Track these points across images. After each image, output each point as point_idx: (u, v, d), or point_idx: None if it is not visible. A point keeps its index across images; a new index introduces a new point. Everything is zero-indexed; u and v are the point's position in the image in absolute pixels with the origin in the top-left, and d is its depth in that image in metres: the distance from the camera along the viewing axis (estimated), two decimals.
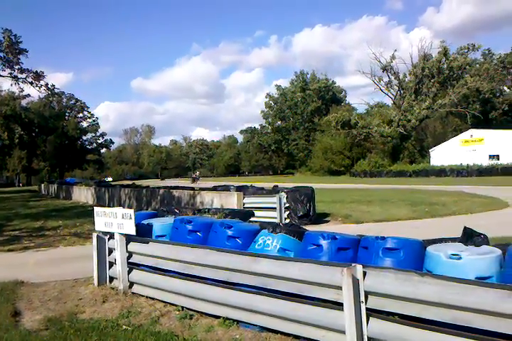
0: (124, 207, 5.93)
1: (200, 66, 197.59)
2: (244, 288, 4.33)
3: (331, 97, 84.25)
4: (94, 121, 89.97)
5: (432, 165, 51.11)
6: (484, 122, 60.08)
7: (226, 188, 14.43)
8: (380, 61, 61.72)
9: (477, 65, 65.19)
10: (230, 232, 4.86)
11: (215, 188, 15.10)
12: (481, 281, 3.08)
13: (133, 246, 5.54)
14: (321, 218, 12.80)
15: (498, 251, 3.39)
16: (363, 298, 3.41)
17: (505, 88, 68.47)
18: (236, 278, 4.34)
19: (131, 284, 5.56)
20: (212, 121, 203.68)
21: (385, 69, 62.18)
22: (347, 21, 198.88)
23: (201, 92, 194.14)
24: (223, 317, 4.45)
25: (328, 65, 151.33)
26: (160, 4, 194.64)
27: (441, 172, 46.14)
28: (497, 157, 46.29)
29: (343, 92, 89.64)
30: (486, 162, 45.59)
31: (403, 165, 55.24)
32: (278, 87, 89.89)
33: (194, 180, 49.71)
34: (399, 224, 11.50)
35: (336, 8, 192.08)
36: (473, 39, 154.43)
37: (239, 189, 13.76)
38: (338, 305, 3.50)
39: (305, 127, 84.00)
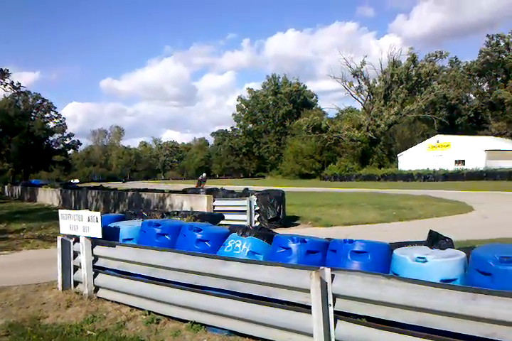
0: (90, 210, 5.80)
1: (172, 68, 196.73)
2: (212, 291, 4.28)
3: (302, 101, 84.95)
4: (61, 121, 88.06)
5: (399, 170, 52.05)
6: (450, 128, 61.75)
7: (196, 191, 14.35)
8: (350, 66, 62.68)
9: (444, 72, 66.95)
10: (199, 235, 4.81)
11: (184, 191, 14.98)
12: (445, 284, 3.13)
13: (99, 250, 5.42)
14: (291, 221, 12.85)
15: (463, 254, 3.46)
16: (331, 301, 3.42)
17: (471, 95, 70.49)
18: (204, 281, 4.30)
19: (97, 288, 5.44)
20: (183, 123, 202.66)
21: (355, 74, 63.15)
22: (319, 26, 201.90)
23: (172, 94, 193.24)
24: (191, 321, 4.39)
25: (300, 69, 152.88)
26: (131, 5, 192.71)
27: (408, 176, 47.00)
28: (462, 162, 47.51)
29: (314, 97, 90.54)
30: (451, 167, 46.73)
31: (372, 169, 56.08)
32: (250, 90, 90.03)
33: (200, 182, 41.62)
34: (367, 228, 11.66)
35: (309, 13, 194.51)
36: (442, 46, 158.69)
37: (209, 192, 13.70)
38: (307, 308, 3.51)
39: (276, 130, 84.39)
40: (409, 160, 52.89)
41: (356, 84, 64.94)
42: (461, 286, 3.08)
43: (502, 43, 63.80)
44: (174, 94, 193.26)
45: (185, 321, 4.45)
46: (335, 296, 3.43)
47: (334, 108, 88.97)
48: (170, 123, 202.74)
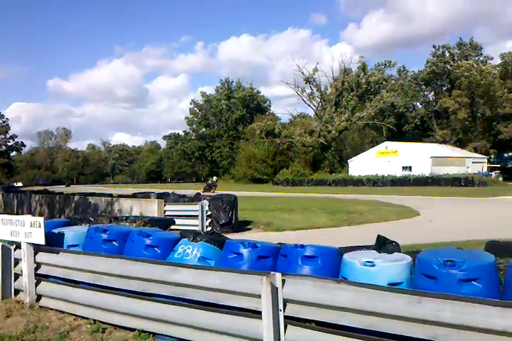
0: (34, 215, 5.55)
1: (123, 69, 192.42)
2: (162, 298, 4.19)
3: (255, 106, 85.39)
4: (4, 122, 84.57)
5: (350, 175, 53.14)
6: (398, 135, 63.83)
7: (146, 195, 14.07)
8: (303, 73, 63.55)
9: (393, 81, 69.27)
10: (148, 241, 4.70)
11: (134, 195, 14.66)
12: (392, 287, 3.19)
13: (42, 257, 5.19)
14: (243, 226, 12.83)
15: (409, 258, 3.55)
16: (281, 306, 3.42)
17: (418, 104, 73.23)
18: (153, 288, 4.20)
19: (39, 297, 5.20)
20: (133, 126, 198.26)
21: (307, 81, 64.10)
22: (273, 32, 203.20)
23: (123, 96, 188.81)
24: (138, 330, 4.28)
25: (254, 74, 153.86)
26: (82, 3, 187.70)
27: (358, 181, 48.08)
28: (409, 168, 49.05)
29: (268, 102, 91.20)
30: (399, 173, 48.19)
31: (323, 174, 57.00)
32: (203, 94, 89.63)
33: (210, 187, 36.55)
34: (318, 232, 11.81)
35: (263, 18, 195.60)
36: (392, 55, 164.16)
37: (160, 196, 13.46)
38: (257, 314, 3.49)
39: (229, 135, 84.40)
40: (359, 165, 54.16)
41: (308, 91, 65.98)
42: (406, 289, 3.16)
43: (447, 54, 66.74)
44: (125, 95, 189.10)
45: (133, 329, 4.33)
46: (285, 301, 3.43)
47: (287, 113, 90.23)
48: (120, 126, 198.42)
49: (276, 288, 3.39)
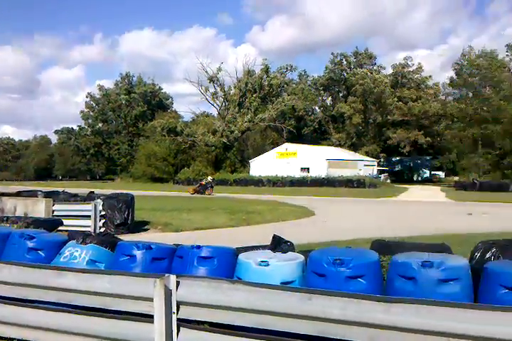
0: None
1: (11, 57, 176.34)
2: (46, 305, 3.88)
3: (157, 103, 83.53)
4: None
5: (251, 175, 54.12)
6: (298, 137, 66.31)
7: (33, 194, 13.08)
8: (207, 72, 63.51)
9: (294, 85, 71.76)
10: (31, 244, 4.36)
11: (19, 193, 13.55)
12: (285, 286, 3.25)
13: None
14: (140, 226, 12.44)
15: (301, 257, 3.65)
16: (174, 309, 3.34)
17: (316, 108, 76.68)
18: (36, 294, 3.87)
19: None
20: (22, 118, 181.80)
21: (211, 80, 64.13)
22: (177, 28, 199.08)
23: (11, 86, 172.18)
24: (17, 339, 3.94)
25: (157, 70, 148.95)
26: None
27: (259, 182, 49.12)
28: (307, 170, 51.14)
29: (170, 99, 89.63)
30: (298, 174, 50.04)
31: (225, 174, 57.42)
32: (101, 88, 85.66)
33: (206, 188, 31.67)
34: (217, 232, 11.81)
35: (167, 13, 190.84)
36: (295, 59, 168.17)
37: (48, 195, 12.58)
38: (149, 318, 3.37)
39: (128, 131, 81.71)
40: (260, 166, 55.29)
41: (212, 90, 65.96)
42: (298, 288, 3.23)
43: (345, 62, 70.52)
44: (13, 86, 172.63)
45: (11, 339, 3.98)
46: (179, 303, 3.35)
47: (190, 112, 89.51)
48: (6, 118, 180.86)
49: (170, 290, 3.30)
